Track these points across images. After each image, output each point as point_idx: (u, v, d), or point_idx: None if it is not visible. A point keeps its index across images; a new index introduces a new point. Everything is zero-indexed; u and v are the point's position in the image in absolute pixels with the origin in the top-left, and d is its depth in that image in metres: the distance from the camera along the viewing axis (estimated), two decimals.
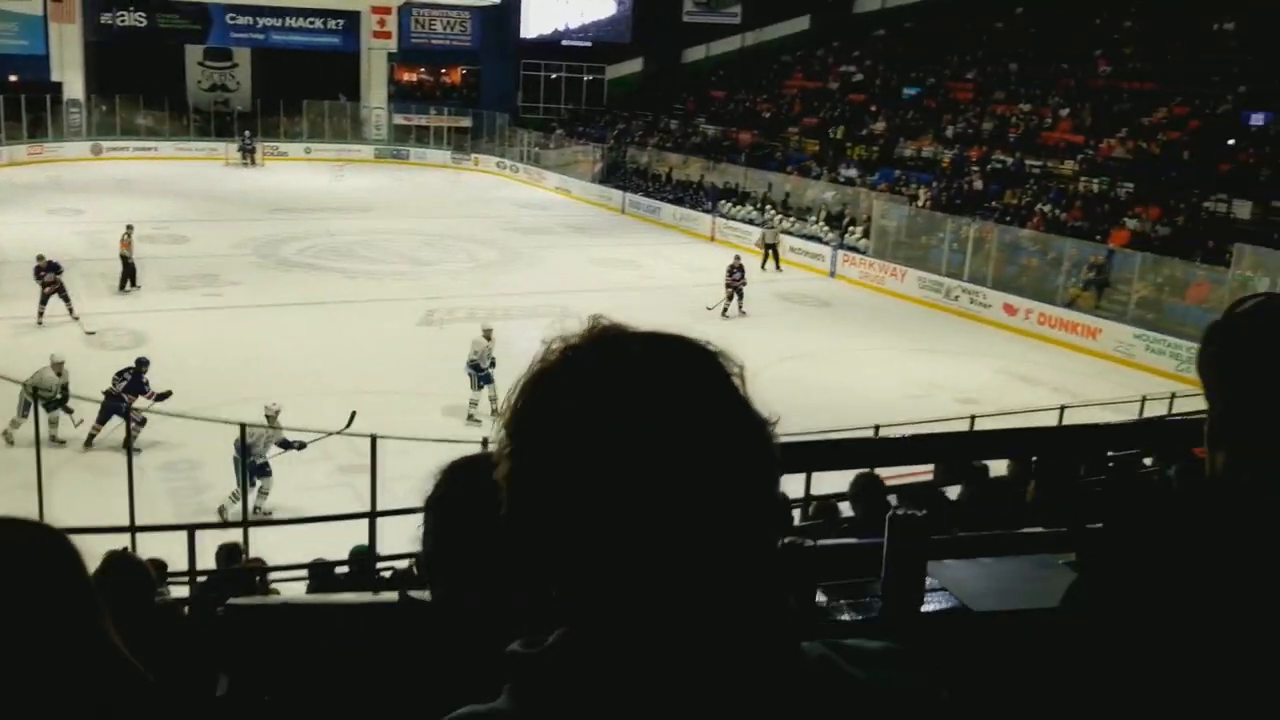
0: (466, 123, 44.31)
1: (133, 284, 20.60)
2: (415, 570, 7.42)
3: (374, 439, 8.79)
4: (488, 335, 14.94)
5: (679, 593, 0.78)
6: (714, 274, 24.84)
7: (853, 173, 30.02)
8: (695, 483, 0.77)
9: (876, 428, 8.88)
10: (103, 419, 12.37)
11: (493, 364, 14.76)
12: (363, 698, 1.95)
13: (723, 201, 30.75)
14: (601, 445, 0.77)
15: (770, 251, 26.26)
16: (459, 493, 1.50)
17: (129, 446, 10.16)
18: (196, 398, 12.81)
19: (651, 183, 34.43)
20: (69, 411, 12.71)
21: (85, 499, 10.96)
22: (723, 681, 0.78)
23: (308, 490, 11.25)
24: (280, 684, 3.39)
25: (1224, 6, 28.68)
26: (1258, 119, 24.05)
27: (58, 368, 12.85)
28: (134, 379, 12.69)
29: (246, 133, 40.32)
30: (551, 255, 26.32)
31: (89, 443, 12.49)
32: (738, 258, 21.66)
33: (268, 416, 11.25)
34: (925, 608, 1.88)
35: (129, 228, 20.96)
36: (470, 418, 14.32)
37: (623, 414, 0.77)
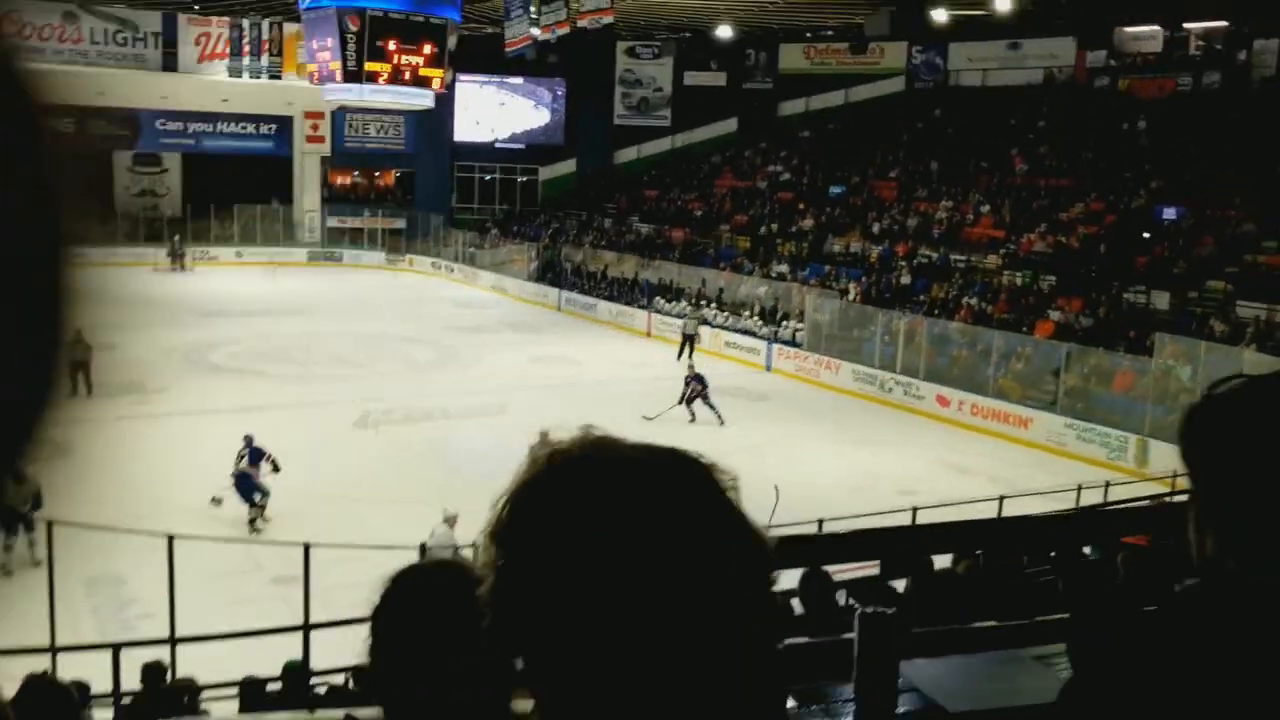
0: (401, 224, 44.48)
1: (88, 390, 20.05)
2: (351, 684, 7.15)
3: (306, 547, 8.56)
4: (451, 523, 12.39)
5: (676, 713, 0.73)
6: (652, 369, 25.00)
7: (784, 268, 30.59)
8: (691, 598, 0.74)
9: (820, 522, 8.87)
10: (246, 498, 13.74)
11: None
12: None
13: (657, 298, 31.08)
14: (593, 559, 0.74)
15: (689, 342, 26.54)
16: (405, 603, 1.44)
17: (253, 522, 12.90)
18: (121, 510, 12.40)
19: (587, 280, 34.73)
20: (29, 528, 11.97)
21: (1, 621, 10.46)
22: None
23: (237, 603, 10.88)
24: None
25: (1135, 108, 30.14)
26: (1169, 213, 25.10)
27: (20, 475, 12.08)
28: (251, 452, 13.94)
29: (176, 238, 39.98)
30: (489, 354, 26.25)
31: (253, 525, 13.65)
32: (692, 367, 21.38)
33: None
34: (899, 709, 1.83)
35: (78, 332, 20.40)
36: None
37: (615, 527, 0.74)
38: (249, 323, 28.97)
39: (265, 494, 13.90)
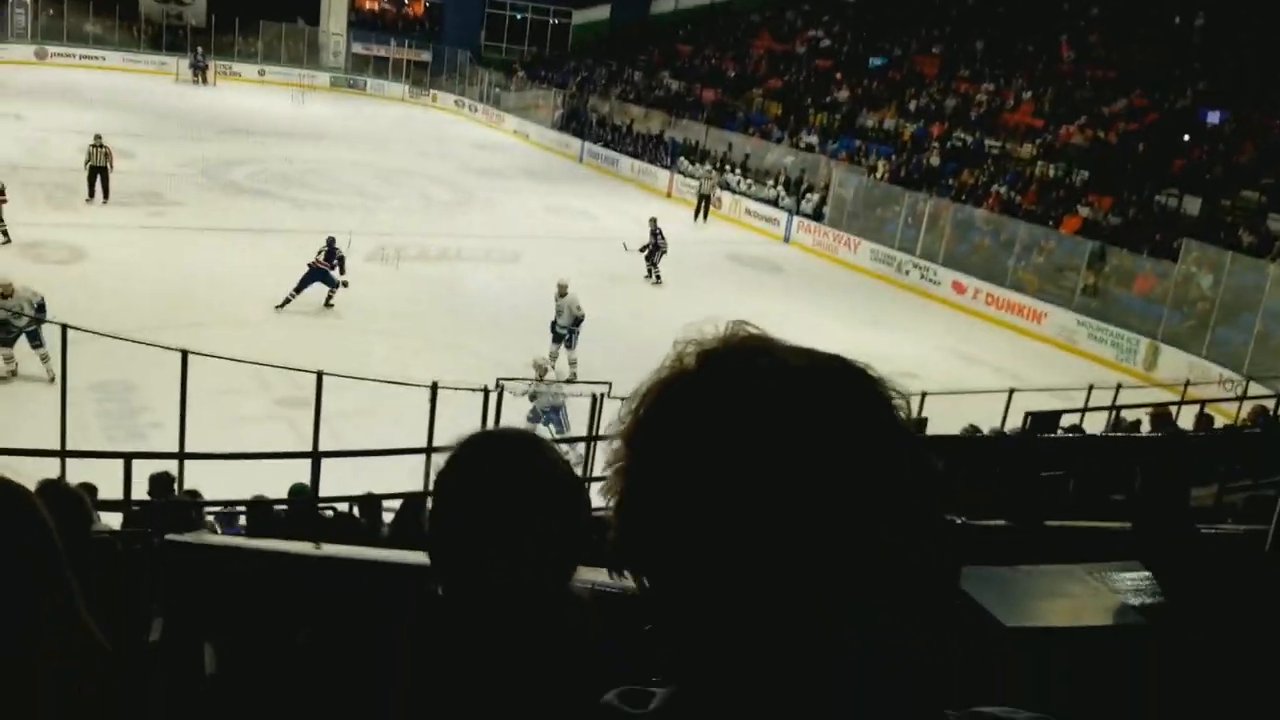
0: (427, 57, 43.36)
1: (105, 196, 19.90)
2: (357, 512, 7.23)
3: (320, 375, 8.53)
4: (563, 291, 14.22)
5: (818, 649, 0.64)
6: (667, 230, 24.70)
7: (813, 139, 29.92)
8: (846, 521, 0.63)
9: None
10: (301, 288, 15.20)
11: (576, 322, 14.07)
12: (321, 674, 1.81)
13: (681, 158, 30.50)
14: (742, 470, 0.63)
15: (704, 203, 26.24)
16: (475, 472, 1.33)
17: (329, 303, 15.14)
18: (132, 319, 12.41)
19: (611, 134, 34.02)
20: (37, 344, 11.89)
21: (11, 420, 10.58)
22: (900, 683, 0.65)
23: (241, 421, 10.97)
24: (218, 633, 3.20)
25: (1193, 2, 28.90)
26: (1213, 117, 24.34)
27: (6, 289, 11.80)
28: (330, 250, 15.60)
29: (199, 49, 39.05)
30: (506, 199, 25.92)
31: (283, 305, 15.07)
32: (653, 220, 20.74)
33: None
34: (954, 620, 1.76)
35: (97, 137, 20.15)
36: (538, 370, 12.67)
37: (768, 436, 0.64)
38: (270, 144, 28.53)
39: (336, 285, 15.66)
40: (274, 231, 19.77)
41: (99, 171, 20.04)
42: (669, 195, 29.24)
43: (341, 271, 15.73)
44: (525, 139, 36.39)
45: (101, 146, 20.08)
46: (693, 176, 28.78)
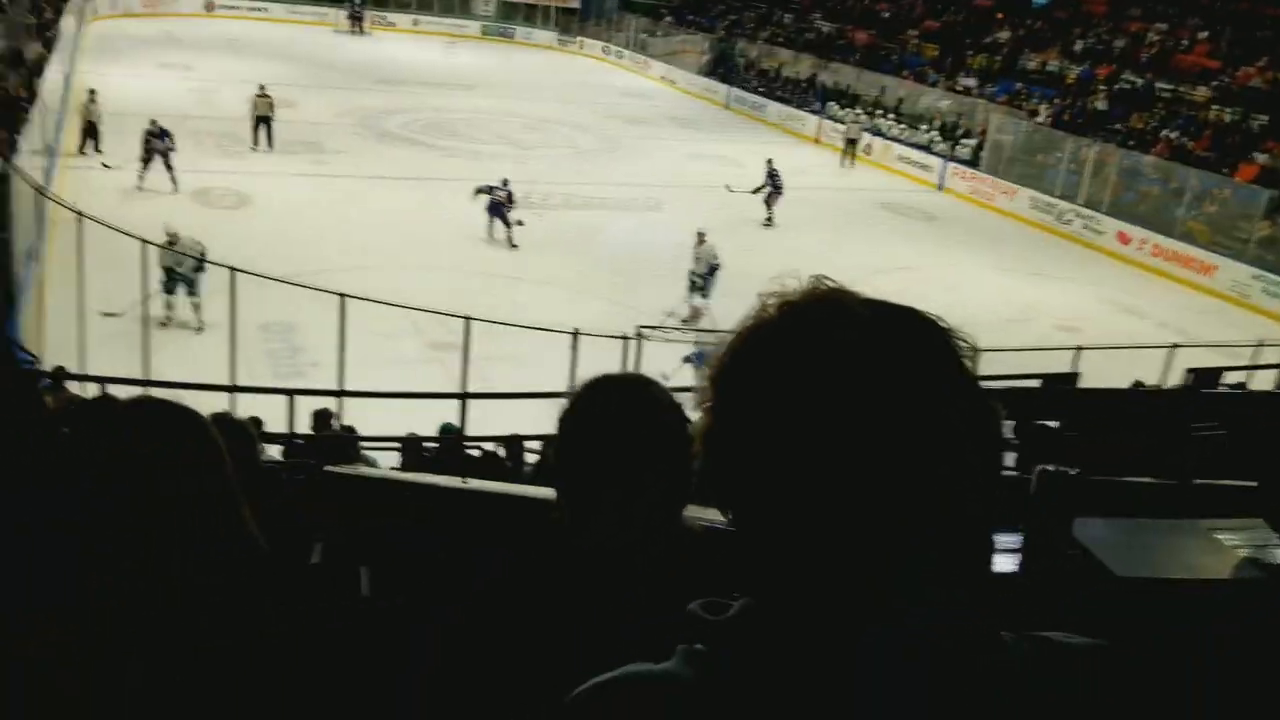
0: (575, 4, 43.52)
1: (269, 144, 20.88)
2: (503, 452, 7.51)
3: (467, 320, 8.85)
4: (701, 239, 14.53)
5: (883, 572, 0.71)
6: (813, 177, 24.34)
7: (971, 82, 28.85)
8: (913, 464, 0.70)
9: (975, 350, 8.64)
10: (502, 219, 16.69)
11: (712, 270, 14.23)
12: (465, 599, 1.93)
13: (831, 103, 29.88)
14: (816, 414, 0.70)
15: (850, 147, 25.73)
16: (596, 410, 1.44)
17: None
18: (295, 263, 13.02)
19: (759, 79, 33.56)
20: (192, 292, 12.47)
21: (186, 356, 11.30)
22: (919, 664, 0.71)
23: (397, 364, 11.43)
24: (374, 559, 3.43)
25: None
26: None
27: (173, 237, 12.30)
28: (508, 193, 16.82)
29: (356, 0, 40.16)
30: (651, 147, 25.95)
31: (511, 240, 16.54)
32: (770, 162, 20.42)
33: None
34: (1065, 566, 1.77)
35: (262, 88, 21.12)
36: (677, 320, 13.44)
37: (842, 383, 0.70)
38: (422, 94, 29.24)
39: (511, 224, 16.76)
40: (426, 180, 20.36)
41: (263, 121, 20.99)
42: (817, 141, 28.74)
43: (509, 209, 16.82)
44: (671, 85, 36.25)
45: (266, 96, 21.00)
46: (841, 121, 28.20)
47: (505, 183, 17.05)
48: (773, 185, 19.63)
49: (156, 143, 17.40)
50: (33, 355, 10.45)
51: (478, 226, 17.16)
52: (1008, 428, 6.37)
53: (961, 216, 22.71)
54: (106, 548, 1.43)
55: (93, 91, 19.42)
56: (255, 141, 20.96)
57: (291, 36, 36.40)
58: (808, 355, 0.72)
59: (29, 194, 12.12)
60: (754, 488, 0.73)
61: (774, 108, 31.28)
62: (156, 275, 12.01)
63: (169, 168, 17.45)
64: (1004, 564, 1.82)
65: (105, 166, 17.10)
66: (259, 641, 1.48)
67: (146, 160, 17.35)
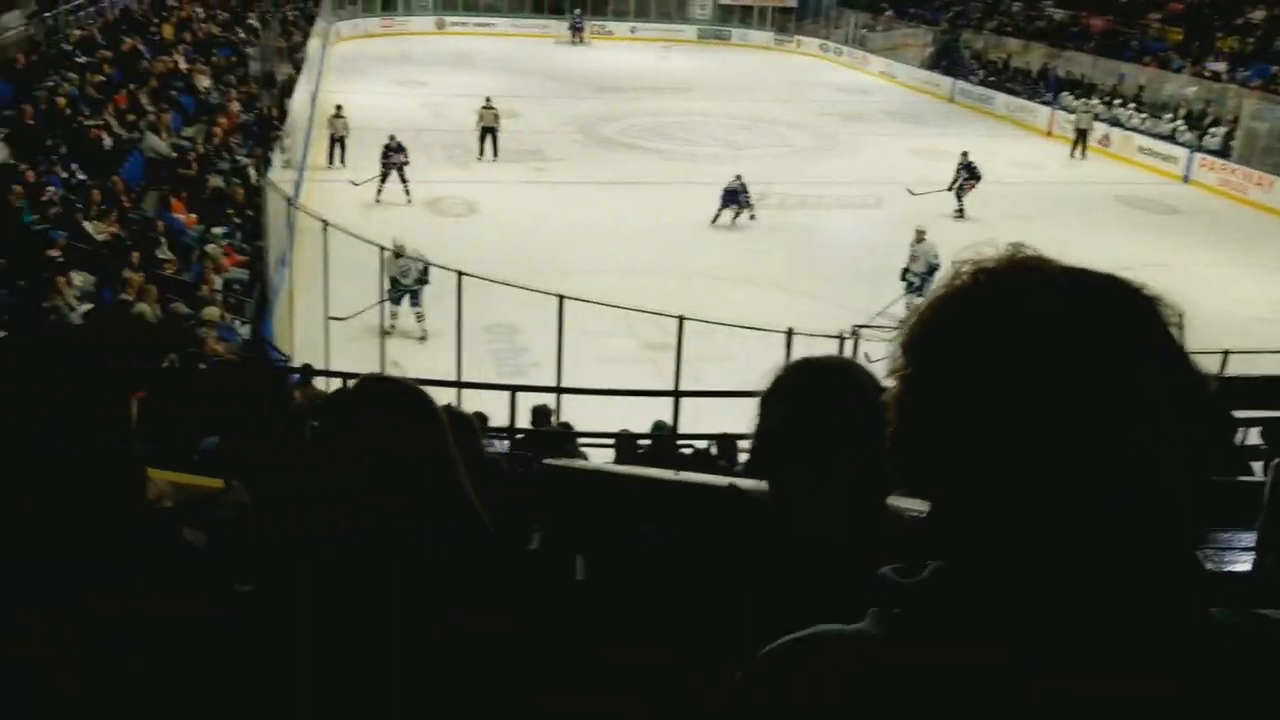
0: (792, 2, 43.28)
1: (494, 154, 21.85)
2: (715, 450, 7.58)
3: (681, 320, 8.98)
4: (920, 237, 14.30)
5: (1080, 540, 0.70)
6: (1043, 171, 23.26)
7: (1220, 66, 26.80)
8: (1106, 427, 0.69)
9: (1225, 353, 8.05)
10: (740, 205, 17.88)
11: (931, 270, 13.91)
12: (677, 578, 1.98)
13: (1064, 94, 28.45)
14: (1013, 382, 0.70)
15: (1081, 137, 24.38)
16: (796, 389, 1.47)
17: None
18: (519, 267, 13.56)
19: (985, 70, 32.35)
20: (415, 303, 12.96)
21: (419, 357, 11.98)
22: (1117, 636, 0.70)
23: (610, 363, 11.72)
24: (589, 546, 3.55)
25: None
26: None
27: (399, 249, 12.86)
28: (741, 187, 17.98)
29: (577, 11, 41.39)
30: (870, 143, 25.49)
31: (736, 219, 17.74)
32: (965, 154, 19.68)
33: None
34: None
35: (487, 100, 22.15)
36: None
37: (1040, 351, 0.70)
38: (640, 99, 29.83)
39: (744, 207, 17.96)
40: (643, 184, 20.76)
41: (489, 131, 21.98)
42: (1049, 134, 27.43)
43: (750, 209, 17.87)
44: (892, 80, 35.48)
45: (491, 108, 21.99)
46: (1072, 111, 26.81)
47: (740, 176, 17.97)
48: (969, 175, 19.09)
49: (394, 157, 18.42)
50: (283, 354, 11.37)
51: (697, 227, 17.36)
52: (1254, 433, 5.91)
53: (1209, 209, 21.13)
54: (343, 523, 1.54)
55: (339, 108, 20.90)
56: (481, 152, 21.97)
57: (516, 49, 37.90)
58: (1005, 322, 0.71)
59: (281, 205, 13.18)
60: (945, 453, 0.73)
61: (1002, 100, 30.08)
62: (366, 291, 12.66)
63: (404, 180, 18.46)
64: (1238, 562, 1.71)
65: (353, 184, 18.28)
66: (481, 618, 1.57)
67: (385, 174, 18.44)
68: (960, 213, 18.93)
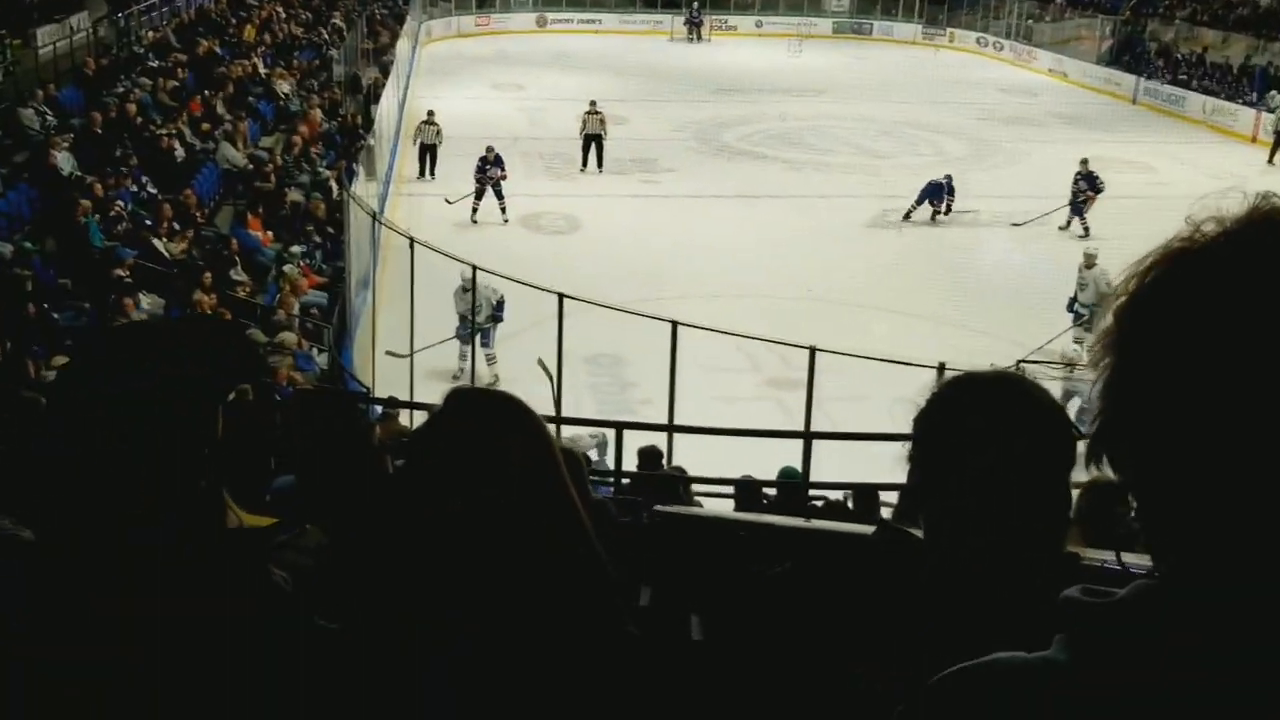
0: None
1: (599, 165, 22.16)
2: (851, 504, 7.50)
3: (813, 351, 8.92)
4: (1090, 262, 13.93)
5: None
6: (1245, 183, 22.44)
7: None
8: None
9: None
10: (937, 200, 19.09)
11: (1103, 299, 13.73)
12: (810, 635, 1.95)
13: (1273, 92, 27.54)
14: (1255, 354, 0.67)
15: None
16: (952, 413, 1.44)
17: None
18: (625, 290, 13.67)
19: (1176, 66, 31.56)
20: (485, 343, 13.00)
21: (514, 382, 12.16)
22: None
23: (730, 401, 11.70)
24: (706, 603, 3.54)
25: None
26: None
27: (467, 282, 12.41)
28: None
29: (695, 4, 41.82)
30: (1035, 151, 25.07)
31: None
32: (1085, 162, 19.33)
33: None
34: None
35: (593, 104, 22.50)
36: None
37: None
38: (765, 102, 29.94)
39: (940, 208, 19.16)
40: (768, 198, 20.79)
41: (593, 140, 22.32)
42: (1253, 139, 26.58)
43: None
44: (1062, 78, 34.88)
45: (596, 113, 22.33)
46: (1272, 110, 25.95)
47: (948, 177, 19.22)
48: (1089, 186, 18.94)
49: (491, 171, 18.77)
50: (364, 385, 11.67)
51: (831, 246, 17.29)
52: None
53: None
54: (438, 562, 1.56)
55: (430, 113, 21.53)
56: (584, 163, 22.28)
57: (624, 48, 38.44)
58: (1254, 285, 0.69)
59: (364, 222, 13.58)
60: (1170, 441, 0.71)
61: (1195, 100, 29.30)
62: (451, 321, 12.83)
63: (500, 197, 18.80)
64: None
65: (447, 202, 18.71)
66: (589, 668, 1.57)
67: (480, 191, 18.81)
68: (1086, 232, 18.58)
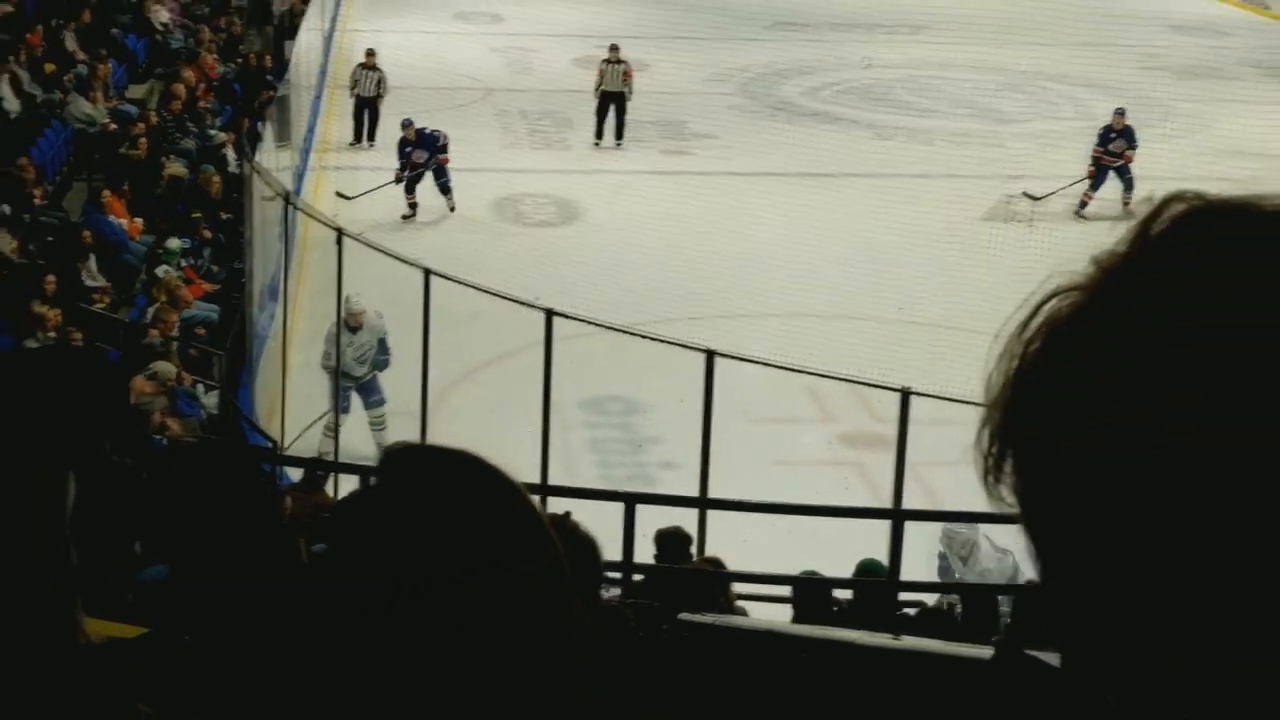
0: None
1: (618, 136, 22.17)
2: (958, 610, 7.48)
3: (906, 395, 8.93)
4: None
5: None
6: None
7: None
8: None
9: None
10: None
11: None
12: None
13: None
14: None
15: None
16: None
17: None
18: (642, 307, 13.67)
19: None
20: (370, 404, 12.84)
21: (470, 438, 12.14)
22: None
23: (788, 466, 11.68)
24: None
25: None
26: None
27: (356, 317, 12.54)
28: None
29: None
30: (1225, 114, 25.01)
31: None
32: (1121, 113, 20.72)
33: None
34: None
35: (613, 50, 22.57)
36: None
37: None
38: (840, 42, 29.93)
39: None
40: (844, 176, 20.75)
41: (614, 100, 22.10)
42: None
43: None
44: (1262, 11, 34.95)
45: (619, 62, 22.17)
46: None
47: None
48: (1127, 144, 20.36)
49: (418, 155, 18.55)
50: (271, 438, 11.70)
51: (936, 244, 17.27)
52: None
53: None
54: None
55: (370, 54, 21.64)
56: (599, 132, 22.08)
57: None
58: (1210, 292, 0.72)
59: (275, 206, 13.61)
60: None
61: None
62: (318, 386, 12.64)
63: (443, 188, 18.68)
64: None
65: (344, 197, 18.38)
66: None
67: (409, 179, 18.59)
68: (1130, 210, 19.34)
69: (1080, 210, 20.06)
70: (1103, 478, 0.72)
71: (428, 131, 18.86)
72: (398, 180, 18.65)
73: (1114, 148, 20.13)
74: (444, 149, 18.84)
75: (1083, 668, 0.80)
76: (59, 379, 1.81)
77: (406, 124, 18.86)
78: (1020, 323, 0.78)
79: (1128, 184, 20.06)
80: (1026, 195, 19.84)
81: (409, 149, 18.68)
